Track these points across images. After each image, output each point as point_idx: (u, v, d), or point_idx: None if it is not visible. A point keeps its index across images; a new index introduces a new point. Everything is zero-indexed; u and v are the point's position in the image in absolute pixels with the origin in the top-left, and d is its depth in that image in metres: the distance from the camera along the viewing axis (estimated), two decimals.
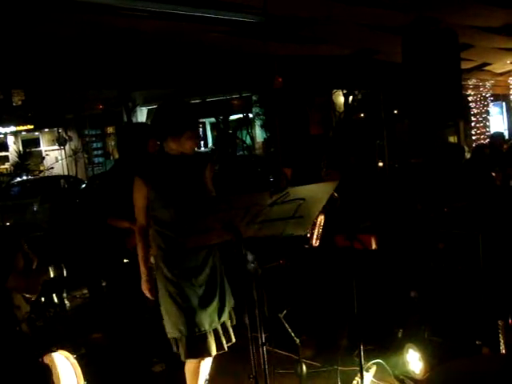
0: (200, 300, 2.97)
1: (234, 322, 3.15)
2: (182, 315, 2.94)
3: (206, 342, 2.94)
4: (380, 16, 5.93)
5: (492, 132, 11.72)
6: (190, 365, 3.09)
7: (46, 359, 2.78)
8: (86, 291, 6.21)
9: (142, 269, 3.13)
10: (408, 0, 5.83)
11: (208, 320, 2.97)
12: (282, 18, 5.49)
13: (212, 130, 23.80)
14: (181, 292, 2.96)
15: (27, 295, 2.58)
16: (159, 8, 4.68)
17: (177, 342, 3.00)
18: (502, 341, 2.79)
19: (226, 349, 3.04)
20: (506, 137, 12.64)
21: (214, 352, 2.98)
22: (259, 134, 23.52)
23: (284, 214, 2.26)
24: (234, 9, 5.00)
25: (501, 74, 12.23)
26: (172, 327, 2.97)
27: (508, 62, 10.77)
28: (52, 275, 5.67)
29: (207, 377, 3.26)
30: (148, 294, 3.14)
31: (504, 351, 2.77)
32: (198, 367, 3.07)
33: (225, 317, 3.06)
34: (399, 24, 6.05)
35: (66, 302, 5.78)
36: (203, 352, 2.97)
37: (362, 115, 19.96)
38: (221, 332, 3.01)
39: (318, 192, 2.30)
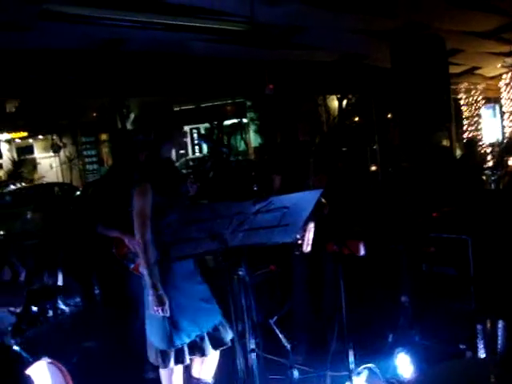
0: (188, 310, 3.00)
1: (226, 340, 3.10)
2: (170, 328, 2.95)
3: (203, 343, 3.00)
4: (369, 22, 5.98)
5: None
6: (165, 372, 3.12)
7: (34, 369, 2.79)
8: (78, 299, 6.20)
9: (153, 283, 2.91)
10: (396, 6, 5.89)
11: (207, 321, 3.03)
12: (270, 27, 5.54)
13: (200, 137, 23.82)
14: (183, 296, 2.99)
15: (11, 309, 2.59)
16: (148, 18, 4.75)
17: (158, 352, 3.01)
18: (482, 345, 2.83)
19: (226, 346, 3.10)
20: (499, 139, 12.71)
21: (211, 351, 3.05)
22: (254, 140, 23.61)
23: (269, 223, 2.29)
24: (222, 18, 5.04)
25: (491, 78, 12.31)
26: (160, 340, 2.97)
27: (498, 65, 10.85)
28: (46, 283, 5.69)
29: (213, 380, 3.29)
30: (163, 311, 2.91)
31: (483, 355, 2.80)
32: (172, 375, 3.10)
33: (208, 328, 3.07)
34: (387, 29, 6.11)
35: (61, 309, 5.78)
36: (181, 361, 3.01)
37: (357, 119, 20.08)
38: (220, 329, 3.08)
39: (301, 200, 2.33)
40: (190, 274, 3.07)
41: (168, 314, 2.94)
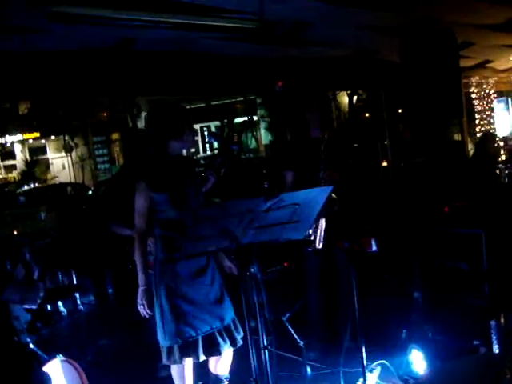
0: (200, 305, 3.01)
1: (238, 338, 3.12)
2: (180, 322, 2.95)
3: (196, 347, 2.98)
4: (378, 17, 5.94)
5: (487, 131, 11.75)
6: (176, 368, 3.14)
7: (50, 367, 2.82)
8: (92, 298, 6.26)
9: (142, 277, 3.02)
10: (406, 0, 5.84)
11: (206, 324, 3.01)
12: (279, 23, 5.53)
13: (210, 135, 23.82)
14: (181, 298, 2.98)
15: (25, 306, 2.62)
16: (157, 18, 4.77)
17: (167, 349, 3.02)
18: (495, 340, 2.81)
19: (217, 355, 3.10)
20: None
21: (202, 357, 3.03)
22: (264, 137, 23.60)
23: (280, 220, 2.30)
24: (230, 16, 5.04)
25: (503, 71, 12.17)
26: (169, 335, 2.98)
27: (510, 58, 10.72)
28: (59, 282, 5.76)
29: (227, 376, 3.30)
30: (143, 308, 3.00)
31: (497, 351, 2.78)
32: (183, 371, 3.12)
33: (223, 323, 3.08)
34: (397, 24, 6.06)
35: (75, 308, 5.83)
36: (193, 355, 3.02)
37: (367, 115, 19.97)
38: (216, 337, 3.04)
39: (312, 197, 2.33)
40: (197, 273, 3.04)
41: (147, 312, 3.00)
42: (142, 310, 3.01)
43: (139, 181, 3.03)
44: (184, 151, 3.30)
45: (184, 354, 3.00)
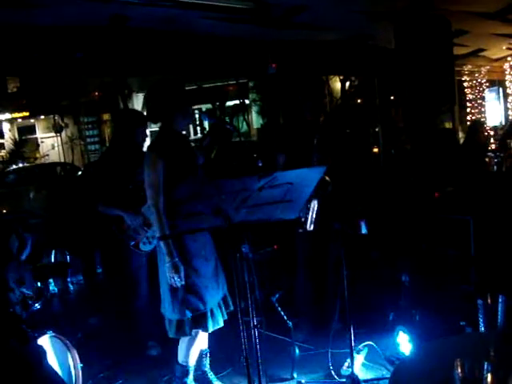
0: (208, 279, 3.09)
1: (231, 307, 3.22)
2: (190, 296, 3.02)
3: (206, 319, 3.07)
4: (373, 2, 5.91)
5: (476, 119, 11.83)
6: (185, 339, 3.21)
7: (42, 341, 2.84)
8: (80, 277, 6.26)
9: (168, 251, 2.96)
10: None
11: (212, 297, 3.10)
12: (274, 5, 5.48)
13: (203, 113, 23.66)
14: (192, 272, 3.03)
15: (16, 283, 2.63)
16: None
17: (177, 322, 3.07)
18: (482, 320, 2.86)
19: (219, 326, 3.15)
20: (503, 122, 12.68)
21: (210, 329, 3.12)
22: (256, 121, 23.52)
23: (273, 198, 2.30)
24: None
25: (496, 60, 12.21)
26: (178, 309, 3.03)
27: (503, 47, 10.75)
28: (49, 260, 5.75)
29: (208, 350, 3.40)
30: (175, 281, 2.97)
31: (483, 330, 2.84)
32: (193, 344, 3.22)
33: (222, 295, 3.19)
34: (392, 10, 6.04)
35: (66, 286, 5.83)
36: (203, 327, 3.09)
37: (359, 101, 19.94)
38: (219, 309, 3.15)
39: (306, 176, 2.33)
40: (203, 248, 3.10)
41: (183, 282, 2.99)
42: (174, 282, 2.98)
43: (149, 153, 3.02)
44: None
45: (194, 326, 3.06)
